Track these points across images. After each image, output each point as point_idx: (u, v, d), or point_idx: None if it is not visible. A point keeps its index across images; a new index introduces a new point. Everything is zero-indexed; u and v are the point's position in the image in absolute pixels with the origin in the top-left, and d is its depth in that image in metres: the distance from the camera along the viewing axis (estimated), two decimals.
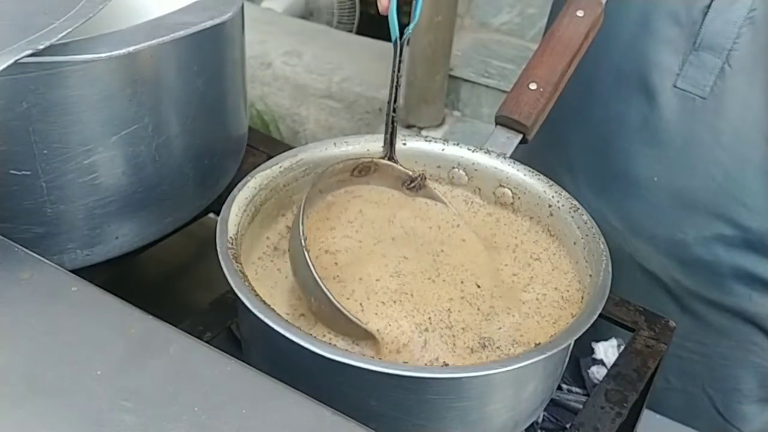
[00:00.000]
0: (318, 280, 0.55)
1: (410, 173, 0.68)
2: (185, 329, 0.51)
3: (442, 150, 0.70)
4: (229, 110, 0.76)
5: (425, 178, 0.69)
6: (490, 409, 0.57)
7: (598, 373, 0.76)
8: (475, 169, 0.70)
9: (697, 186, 0.86)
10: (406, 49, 0.64)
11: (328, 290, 0.55)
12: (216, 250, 0.56)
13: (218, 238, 0.57)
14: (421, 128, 2.14)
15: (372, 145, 0.70)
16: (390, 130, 0.67)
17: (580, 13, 0.73)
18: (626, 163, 0.90)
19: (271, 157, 0.67)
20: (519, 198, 0.69)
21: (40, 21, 0.53)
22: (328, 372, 0.53)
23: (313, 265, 0.55)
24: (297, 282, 0.59)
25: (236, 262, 0.56)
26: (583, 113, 0.92)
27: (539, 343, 0.58)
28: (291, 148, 0.70)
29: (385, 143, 0.68)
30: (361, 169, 0.67)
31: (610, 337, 0.79)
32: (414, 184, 0.69)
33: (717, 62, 0.82)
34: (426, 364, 0.56)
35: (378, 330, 0.56)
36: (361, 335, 0.56)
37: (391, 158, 0.68)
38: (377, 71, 2.18)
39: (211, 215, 0.78)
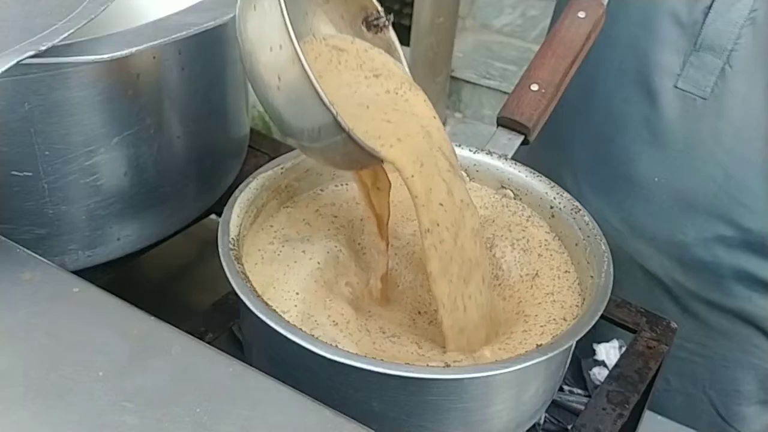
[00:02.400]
0: (315, 83, 0.48)
1: (379, 8, 0.61)
2: (187, 330, 0.51)
3: None
4: (230, 111, 0.76)
5: (391, 22, 0.62)
6: (491, 410, 0.57)
7: (599, 374, 0.76)
8: (477, 171, 0.70)
9: (697, 187, 0.86)
10: None
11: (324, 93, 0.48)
12: (218, 252, 0.56)
13: (220, 239, 0.57)
14: None
15: None
16: None
17: (581, 15, 0.73)
18: (627, 164, 0.90)
19: (273, 159, 0.67)
20: (521, 199, 0.69)
21: (42, 22, 0.53)
22: (330, 373, 0.53)
23: (306, 62, 0.48)
24: (285, 116, 0.52)
25: (238, 263, 0.56)
26: (585, 114, 0.92)
27: (541, 344, 0.58)
28: (293, 149, 0.70)
29: None
30: None
31: (611, 339, 0.79)
32: (377, 23, 0.61)
33: (718, 63, 0.82)
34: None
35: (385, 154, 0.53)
36: (364, 160, 0.53)
37: None
38: None
39: (213, 216, 0.78)
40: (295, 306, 0.59)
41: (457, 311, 0.59)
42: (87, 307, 0.49)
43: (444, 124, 2.23)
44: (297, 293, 0.60)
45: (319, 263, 0.62)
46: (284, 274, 0.61)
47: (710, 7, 0.81)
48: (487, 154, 0.70)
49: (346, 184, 0.70)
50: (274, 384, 0.46)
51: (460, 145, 0.70)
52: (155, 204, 0.69)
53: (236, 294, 0.53)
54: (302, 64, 0.48)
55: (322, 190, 0.70)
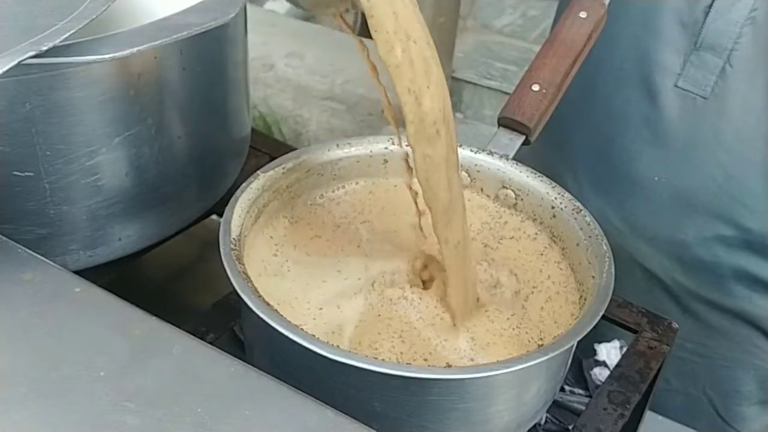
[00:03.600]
0: None
1: None
2: (188, 330, 0.51)
3: None
4: (231, 112, 0.76)
5: None
6: (492, 410, 0.57)
7: (600, 374, 0.76)
8: (478, 171, 0.70)
9: (697, 186, 0.86)
10: None
11: None
12: (219, 252, 0.56)
13: (221, 239, 0.57)
14: None
15: (375, 146, 0.70)
16: None
17: (582, 15, 0.73)
18: (628, 163, 0.90)
19: (274, 159, 0.67)
20: (522, 200, 0.69)
21: (43, 22, 0.53)
22: (331, 373, 0.53)
23: None
24: None
25: (239, 263, 0.56)
26: (585, 113, 0.92)
27: (542, 345, 0.58)
28: (294, 149, 0.70)
29: None
30: None
31: (612, 339, 0.79)
32: None
33: (718, 62, 0.82)
34: None
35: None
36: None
37: None
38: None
39: (214, 217, 0.78)
40: (314, 319, 0.59)
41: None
42: (88, 307, 0.49)
43: None
44: (320, 307, 0.60)
45: (344, 279, 0.63)
46: (305, 293, 0.61)
47: (711, 6, 0.81)
48: (488, 154, 0.70)
49: (344, 187, 0.71)
50: (275, 384, 0.46)
51: (461, 146, 0.70)
52: (156, 204, 0.69)
53: (237, 294, 0.53)
54: None
55: (321, 196, 0.70)
